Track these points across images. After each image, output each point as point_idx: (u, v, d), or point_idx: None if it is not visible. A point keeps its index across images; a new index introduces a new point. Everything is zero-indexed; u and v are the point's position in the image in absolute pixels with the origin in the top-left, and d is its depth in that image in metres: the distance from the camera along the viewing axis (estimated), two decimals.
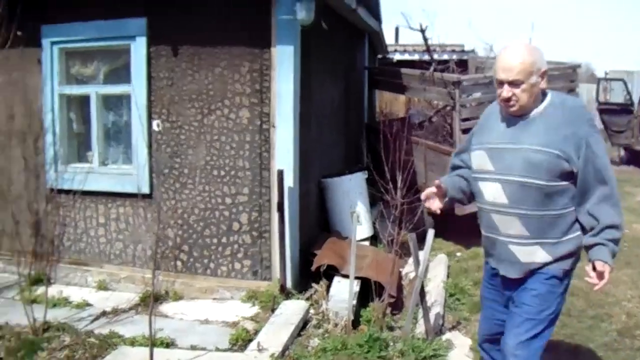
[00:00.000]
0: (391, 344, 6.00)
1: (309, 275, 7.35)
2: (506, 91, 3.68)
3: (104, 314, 7.08)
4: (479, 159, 3.95)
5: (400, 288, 7.51)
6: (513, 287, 3.95)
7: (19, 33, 7.52)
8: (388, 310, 6.71)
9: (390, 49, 18.33)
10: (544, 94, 3.78)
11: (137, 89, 7.46)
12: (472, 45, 18.10)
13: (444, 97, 9.87)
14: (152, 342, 5.25)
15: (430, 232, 6.03)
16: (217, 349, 6.04)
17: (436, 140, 10.25)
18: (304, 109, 7.35)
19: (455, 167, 4.38)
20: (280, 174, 6.94)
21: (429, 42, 11.29)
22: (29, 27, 7.73)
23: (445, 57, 13.93)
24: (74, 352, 6.11)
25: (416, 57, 17.36)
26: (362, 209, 8.68)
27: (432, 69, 10.11)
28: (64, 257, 8.13)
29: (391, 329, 6.53)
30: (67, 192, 7.81)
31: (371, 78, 13.14)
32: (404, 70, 11.25)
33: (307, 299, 7.09)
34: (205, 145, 7.36)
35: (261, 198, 7.21)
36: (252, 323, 6.57)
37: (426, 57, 12.39)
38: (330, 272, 7.12)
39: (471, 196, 4.19)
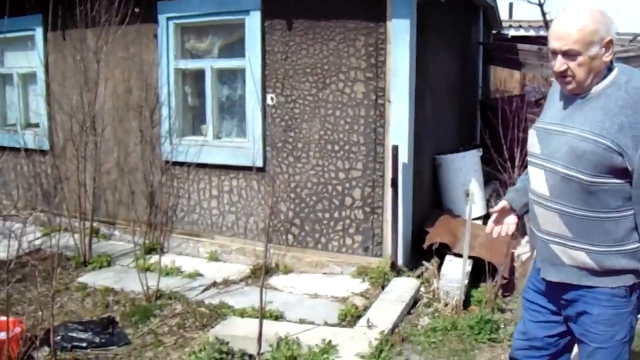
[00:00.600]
0: (502, 326, 5.86)
1: (420, 253, 7.22)
2: (559, 63, 2.99)
3: (214, 284, 7.21)
4: (531, 139, 3.34)
5: (512, 270, 7.34)
6: (559, 297, 3.28)
7: (136, 10, 7.68)
8: (499, 292, 6.55)
9: (504, 24, 17.87)
10: (609, 69, 3.04)
11: (251, 63, 7.48)
12: None
13: None
14: (262, 314, 5.25)
15: None
16: (326, 324, 6.04)
17: None
18: (419, 84, 7.20)
19: None
20: (395, 149, 6.83)
21: (547, 16, 10.96)
22: (145, 3, 7.89)
23: None
24: (185, 320, 6.27)
25: (531, 32, 16.91)
26: (475, 187, 8.49)
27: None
28: (177, 228, 8.33)
29: (502, 311, 6.35)
30: (182, 164, 7.99)
31: (486, 54, 12.83)
32: (520, 45, 10.96)
33: (418, 276, 6.98)
34: (319, 119, 7.33)
35: (375, 174, 7.12)
36: (361, 299, 6.53)
37: (542, 33, 12.04)
38: (442, 251, 7.00)
39: None
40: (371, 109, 7.06)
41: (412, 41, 6.91)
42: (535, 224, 3.31)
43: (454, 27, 9.94)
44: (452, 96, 9.80)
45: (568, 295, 3.21)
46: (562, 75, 3.02)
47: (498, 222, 3.60)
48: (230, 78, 8.06)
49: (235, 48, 7.83)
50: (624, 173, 2.93)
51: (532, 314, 3.50)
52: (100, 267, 7.83)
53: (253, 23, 7.49)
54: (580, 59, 2.93)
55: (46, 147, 9.42)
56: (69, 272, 7.70)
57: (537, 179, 3.23)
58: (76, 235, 7.98)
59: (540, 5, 10.50)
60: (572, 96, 3.10)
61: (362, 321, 5.86)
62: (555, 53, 3.01)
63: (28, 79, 9.90)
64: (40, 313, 6.24)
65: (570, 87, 3.04)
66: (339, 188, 7.32)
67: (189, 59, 8.21)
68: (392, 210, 6.95)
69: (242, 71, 7.71)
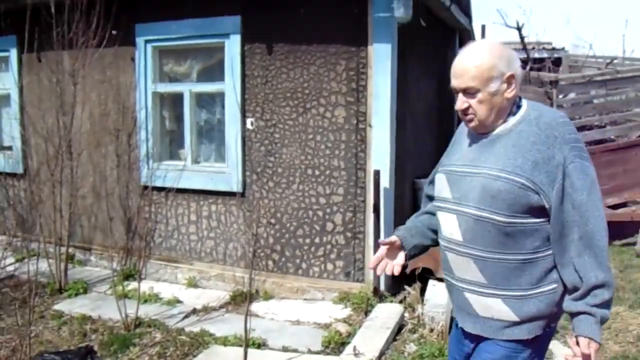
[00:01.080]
0: None
1: (402, 278, 7.17)
2: (460, 101, 2.89)
3: (194, 311, 7.10)
4: (439, 183, 3.12)
5: None
6: (472, 345, 3.14)
7: (113, 32, 7.62)
8: None
9: None
10: (518, 106, 2.94)
11: (231, 86, 7.43)
12: (566, 43, 17.61)
13: (540, 97, 9.62)
14: (247, 344, 5.17)
15: None
16: (310, 351, 5.95)
17: None
18: (399, 108, 7.19)
19: (429, 197, 3.44)
20: (377, 174, 6.80)
21: (525, 40, 11.05)
22: (124, 26, 7.83)
23: (537, 55, 13.60)
24: (165, 349, 6.14)
25: None
26: None
27: (528, 67, 9.89)
28: (154, 254, 8.22)
29: None
30: (160, 189, 7.89)
31: None
32: None
33: (400, 301, 6.93)
34: (299, 144, 7.27)
35: (356, 198, 7.08)
36: (345, 325, 6.44)
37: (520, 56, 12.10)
38: (425, 275, 6.95)
39: None
40: (352, 133, 7.02)
41: (393, 65, 6.91)
42: (448, 272, 3.10)
43: (432, 50, 9.96)
44: (430, 119, 9.82)
45: (479, 340, 3.06)
46: (464, 114, 2.91)
47: (385, 256, 3.23)
48: (209, 102, 8.00)
49: (215, 72, 7.78)
50: (541, 212, 2.80)
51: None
52: (77, 294, 7.69)
53: (233, 46, 7.45)
54: (479, 95, 2.83)
55: (20, 170, 9.32)
56: (44, 300, 7.54)
57: (448, 225, 3.01)
58: (51, 261, 7.85)
59: (519, 29, 10.54)
60: (479, 136, 2.97)
61: (349, 349, 5.78)
62: (456, 91, 2.90)
63: (1, 101, 9.78)
64: (15, 343, 6.13)
65: (472, 124, 2.93)
66: (320, 213, 7.26)
67: (167, 82, 8.15)
68: (374, 235, 6.89)
69: (222, 95, 7.65)
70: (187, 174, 7.78)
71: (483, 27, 22.11)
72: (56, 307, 7.32)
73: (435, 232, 3.18)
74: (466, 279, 2.96)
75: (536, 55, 12.17)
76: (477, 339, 3.05)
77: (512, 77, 2.84)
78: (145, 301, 7.29)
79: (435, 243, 3.21)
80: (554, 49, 17.10)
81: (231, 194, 7.49)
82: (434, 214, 3.19)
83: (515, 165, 2.76)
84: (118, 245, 7.74)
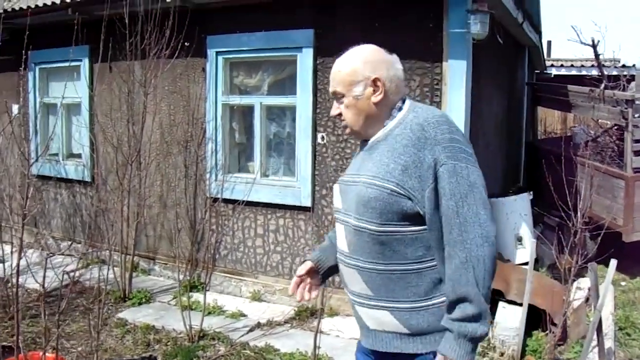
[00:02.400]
0: None
1: None
2: (334, 107, 2.88)
3: (258, 325, 7.05)
4: (334, 194, 3.04)
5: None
6: None
7: (186, 44, 7.63)
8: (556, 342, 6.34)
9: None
10: (400, 109, 2.82)
11: (302, 100, 7.40)
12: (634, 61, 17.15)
13: (615, 116, 9.37)
14: None
15: (613, 263, 5.61)
16: None
17: (602, 162, 9.76)
18: (472, 125, 7.05)
19: None
20: None
21: (600, 57, 10.79)
22: (195, 37, 7.84)
23: (615, 72, 13.27)
24: None
25: (573, 72, 16.76)
26: (525, 231, 8.30)
27: (602, 86, 9.64)
28: (219, 266, 8.18)
29: None
30: (227, 201, 7.87)
31: (533, 94, 12.71)
32: (570, 87, 10.79)
33: None
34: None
35: None
36: None
37: (587, 73, 11.89)
38: (495, 297, 6.80)
39: None
40: None
41: (468, 82, 6.77)
42: (343, 284, 2.97)
43: (503, 67, 9.83)
44: (500, 137, 9.67)
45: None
46: (339, 120, 2.89)
47: (303, 280, 3.13)
48: (279, 115, 7.95)
49: (286, 85, 7.74)
50: (416, 219, 2.64)
51: None
52: (140, 304, 7.73)
53: (305, 60, 7.39)
54: (345, 100, 2.80)
55: (88, 178, 9.41)
56: (108, 307, 7.58)
57: (339, 235, 2.92)
58: (116, 269, 7.88)
59: (594, 46, 10.30)
60: (364, 143, 2.90)
61: None
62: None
63: (72, 109, 9.91)
64: (80, 349, 6.15)
65: (347, 131, 2.90)
66: None
67: (237, 94, 8.11)
68: None
69: (292, 108, 7.61)
70: (255, 187, 7.72)
71: (549, 43, 21.89)
72: (120, 315, 7.36)
73: None
74: (355, 291, 2.85)
75: (614, 72, 11.88)
76: (382, 356, 2.87)
77: (377, 80, 2.76)
78: (209, 313, 7.25)
79: None
80: (623, 66, 16.71)
81: (299, 209, 7.45)
82: None
83: (387, 171, 2.64)
84: (183, 255, 7.72)
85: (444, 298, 2.65)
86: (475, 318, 2.53)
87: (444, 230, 2.59)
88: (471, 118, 6.96)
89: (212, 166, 8.10)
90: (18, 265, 4.25)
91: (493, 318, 6.54)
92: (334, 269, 3.12)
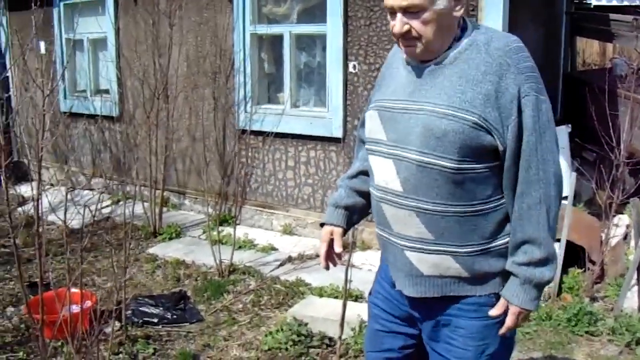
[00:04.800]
0: (601, 318, 5.42)
1: None
2: (400, 23, 2.35)
3: (289, 259, 6.97)
4: (370, 123, 2.63)
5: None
6: (417, 309, 2.67)
7: None
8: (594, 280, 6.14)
9: None
10: (463, 30, 2.44)
11: (333, 28, 7.14)
12: None
13: None
14: (346, 296, 4.94)
15: None
16: None
17: None
18: None
19: (363, 142, 2.88)
20: None
21: None
22: None
23: None
24: (260, 297, 6.03)
25: (614, 2, 16.25)
26: (563, 165, 8.05)
27: None
28: (250, 199, 8.06)
29: (593, 299, 5.93)
30: (257, 133, 7.71)
31: (573, 24, 12.30)
32: (612, 15, 10.38)
33: None
34: None
35: None
36: None
37: (628, 3, 11.49)
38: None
39: None
40: None
41: (505, 9, 6.47)
42: (384, 227, 2.62)
43: None
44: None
45: (428, 307, 2.61)
46: (404, 38, 2.39)
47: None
48: (310, 44, 7.72)
49: (316, 13, 7.46)
50: (492, 154, 2.37)
51: (383, 324, 2.84)
52: (170, 238, 7.68)
53: None
54: (425, 15, 2.31)
55: (116, 113, 9.31)
56: (138, 243, 7.60)
57: (383, 172, 2.53)
58: (146, 204, 7.86)
59: None
60: (420, 64, 2.47)
61: None
62: (393, 12, 2.37)
63: (98, 44, 9.78)
64: (110, 284, 6.12)
65: (417, 51, 2.40)
66: None
67: (265, 23, 7.88)
68: None
69: (323, 37, 7.35)
70: (285, 118, 7.54)
71: None
72: (150, 250, 7.33)
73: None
74: (408, 236, 2.50)
75: None
76: (427, 308, 2.62)
77: None
78: (240, 247, 7.15)
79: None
80: None
81: (331, 140, 7.26)
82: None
83: (464, 100, 2.32)
84: (213, 189, 7.62)
85: (508, 239, 2.46)
86: (542, 262, 2.38)
87: (520, 166, 2.35)
88: None
89: (241, 98, 7.92)
90: (38, 199, 4.13)
91: None
92: (358, 220, 2.91)
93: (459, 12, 2.37)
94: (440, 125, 2.32)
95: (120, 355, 4.92)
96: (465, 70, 2.35)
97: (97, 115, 8.91)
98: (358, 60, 7.09)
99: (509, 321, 2.45)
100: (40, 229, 4.10)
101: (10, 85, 10.43)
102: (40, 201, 4.19)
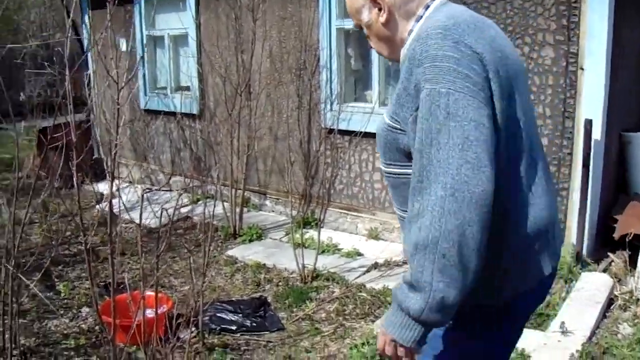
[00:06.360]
0: None
1: (604, 244, 6.41)
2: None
3: (375, 265, 6.63)
4: None
5: None
6: None
7: None
8: None
9: None
10: (419, 19, 2.26)
11: None
12: None
13: None
14: None
15: None
16: None
17: None
18: (613, 50, 6.31)
19: None
20: (589, 124, 5.94)
21: None
22: None
23: None
24: (344, 306, 5.71)
25: None
26: None
27: None
28: (334, 201, 7.76)
29: None
30: (343, 132, 7.45)
31: None
32: None
33: (604, 271, 6.08)
34: None
35: (561, 150, 6.27)
36: None
37: None
38: (635, 243, 6.10)
39: None
40: (561, 77, 6.18)
41: (611, 2, 6.02)
42: None
43: None
44: (638, 68, 8.85)
45: None
46: None
47: None
48: None
49: None
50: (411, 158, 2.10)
51: None
52: (251, 240, 7.46)
53: None
54: (365, 30, 2.41)
55: (196, 110, 9.17)
56: (217, 244, 7.41)
57: None
58: (226, 205, 7.66)
59: None
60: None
61: (554, 324, 4.97)
62: None
63: (179, 40, 9.66)
64: (187, 288, 5.93)
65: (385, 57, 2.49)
66: None
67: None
68: (582, 192, 6.08)
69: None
70: (373, 117, 7.15)
71: None
72: (230, 252, 7.14)
73: None
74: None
75: None
76: None
77: (374, 1, 2.28)
78: (323, 251, 6.88)
79: None
80: None
81: None
82: None
83: (390, 103, 2.25)
84: (296, 190, 7.36)
85: None
86: (409, 286, 2.00)
87: (414, 165, 2.04)
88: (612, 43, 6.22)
89: (327, 95, 7.63)
90: (110, 200, 3.91)
91: (633, 266, 5.88)
92: None
93: (383, 18, 2.29)
94: (378, 129, 2.29)
95: None
96: (403, 69, 2.18)
97: (177, 113, 8.78)
98: None
99: (380, 343, 2.17)
100: (118, 228, 3.88)
101: (92, 83, 10.39)
102: (119, 199, 3.97)
